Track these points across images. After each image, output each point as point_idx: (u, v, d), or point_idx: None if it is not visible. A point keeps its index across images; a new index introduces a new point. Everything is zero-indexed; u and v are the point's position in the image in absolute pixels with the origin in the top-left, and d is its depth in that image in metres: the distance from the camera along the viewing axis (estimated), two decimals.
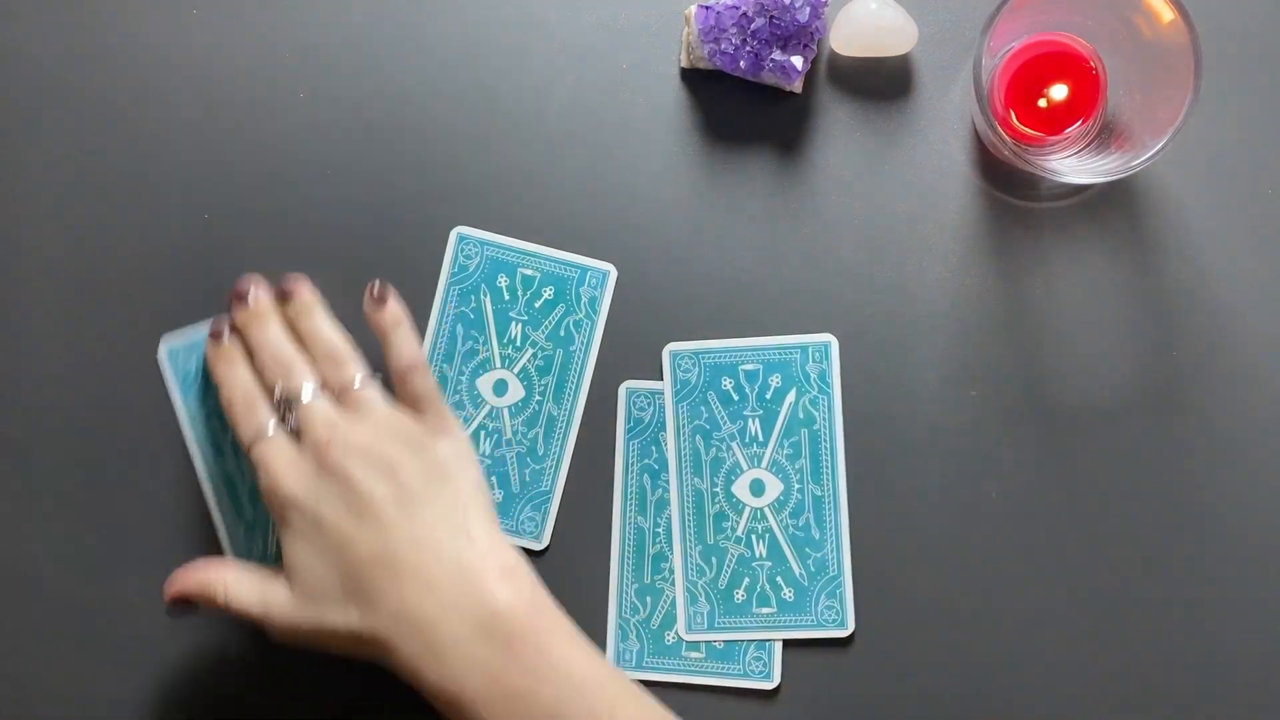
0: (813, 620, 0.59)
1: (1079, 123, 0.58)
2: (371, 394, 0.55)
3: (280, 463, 0.54)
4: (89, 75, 0.62)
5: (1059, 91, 0.58)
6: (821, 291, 0.60)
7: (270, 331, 0.57)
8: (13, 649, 0.60)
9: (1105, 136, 0.58)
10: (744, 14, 0.58)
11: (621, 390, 0.60)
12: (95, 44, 0.62)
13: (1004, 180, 0.60)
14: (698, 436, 0.60)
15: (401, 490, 0.53)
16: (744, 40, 0.58)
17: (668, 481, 0.60)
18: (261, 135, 0.62)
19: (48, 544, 0.60)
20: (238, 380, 0.57)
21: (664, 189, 0.61)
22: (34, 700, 0.60)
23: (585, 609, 0.60)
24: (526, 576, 0.53)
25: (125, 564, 0.60)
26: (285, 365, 0.56)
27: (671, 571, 0.60)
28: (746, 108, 0.61)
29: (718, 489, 0.60)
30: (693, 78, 0.61)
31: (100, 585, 0.60)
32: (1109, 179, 0.55)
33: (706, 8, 0.59)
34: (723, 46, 0.59)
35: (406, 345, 0.56)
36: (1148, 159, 0.53)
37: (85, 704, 0.60)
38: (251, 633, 0.56)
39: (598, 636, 0.60)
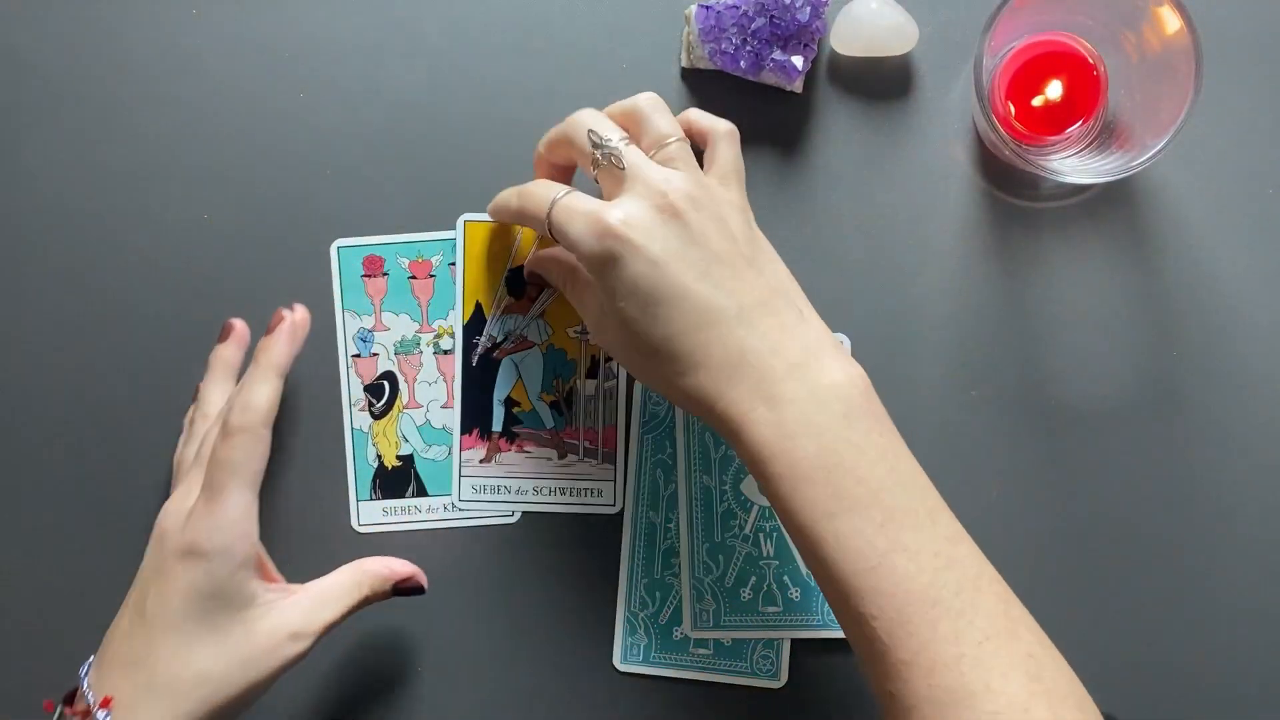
0: (819, 620, 0.59)
1: (1079, 123, 0.59)
2: (688, 151, 0.53)
3: (596, 204, 0.51)
4: (89, 75, 0.62)
5: (1059, 91, 0.59)
6: (822, 291, 0.60)
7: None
8: None
9: (1106, 136, 0.58)
10: (744, 14, 0.58)
11: (636, 386, 0.60)
12: (95, 44, 0.62)
13: (1004, 180, 0.61)
14: (707, 434, 0.60)
15: (739, 249, 0.50)
16: (744, 40, 0.58)
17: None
18: (261, 135, 0.62)
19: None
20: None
21: None
22: None
23: (594, 603, 0.60)
24: (856, 363, 0.51)
25: None
26: (590, 122, 0.53)
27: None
28: (746, 108, 0.61)
29: (726, 487, 0.60)
30: (693, 78, 0.61)
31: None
32: (1109, 179, 0.55)
33: (707, 8, 0.59)
34: (723, 46, 0.59)
35: None
36: (1148, 159, 0.53)
37: None
38: None
39: (606, 630, 0.60)
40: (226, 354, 0.58)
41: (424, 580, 0.57)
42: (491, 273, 0.61)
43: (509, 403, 0.61)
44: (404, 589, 0.56)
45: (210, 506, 0.51)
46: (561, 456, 0.61)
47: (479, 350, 0.61)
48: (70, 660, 0.52)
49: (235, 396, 0.54)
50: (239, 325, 0.59)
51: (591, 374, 0.61)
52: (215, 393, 0.57)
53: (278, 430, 0.60)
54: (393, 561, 0.56)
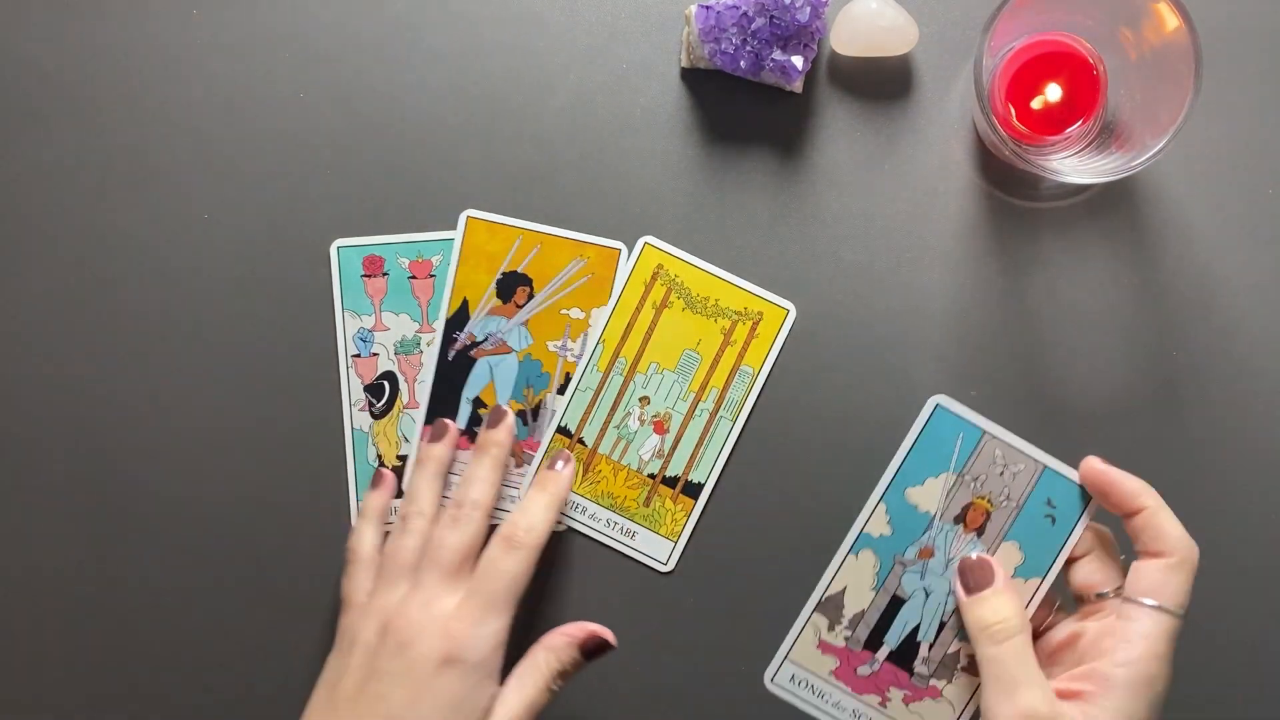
0: None
1: (1079, 123, 0.58)
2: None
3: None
4: (89, 75, 0.62)
5: (1059, 91, 0.58)
6: (822, 290, 0.60)
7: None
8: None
9: (1105, 136, 0.58)
10: (744, 14, 0.58)
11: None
12: (96, 44, 0.62)
13: (1004, 180, 0.61)
14: None
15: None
16: (744, 40, 0.58)
17: None
18: (261, 135, 0.62)
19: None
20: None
21: (664, 189, 0.61)
22: None
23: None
24: None
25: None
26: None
27: None
28: (746, 108, 0.61)
29: None
30: (693, 78, 0.61)
31: None
32: (1109, 179, 0.55)
33: (707, 8, 0.59)
34: (723, 46, 0.59)
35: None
36: (1148, 159, 0.53)
37: None
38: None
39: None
40: (439, 452, 0.59)
41: (610, 636, 0.55)
42: (484, 272, 0.61)
43: (476, 403, 0.61)
44: (590, 650, 0.54)
45: (484, 617, 0.52)
46: (518, 466, 0.61)
47: (457, 346, 0.61)
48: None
49: (519, 514, 0.55)
50: (451, 426, 0.60)
51: (563, 390, 0.61)
52: (428, 490, 0.57)
53: (279, 429, 0.61)
54: (570, 628, 0.55)
